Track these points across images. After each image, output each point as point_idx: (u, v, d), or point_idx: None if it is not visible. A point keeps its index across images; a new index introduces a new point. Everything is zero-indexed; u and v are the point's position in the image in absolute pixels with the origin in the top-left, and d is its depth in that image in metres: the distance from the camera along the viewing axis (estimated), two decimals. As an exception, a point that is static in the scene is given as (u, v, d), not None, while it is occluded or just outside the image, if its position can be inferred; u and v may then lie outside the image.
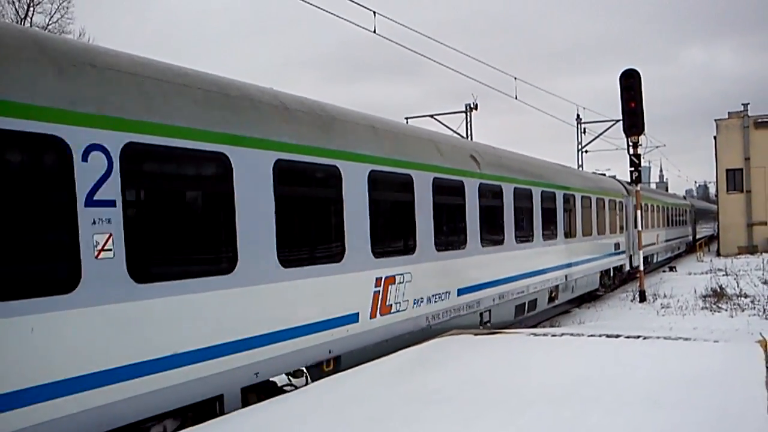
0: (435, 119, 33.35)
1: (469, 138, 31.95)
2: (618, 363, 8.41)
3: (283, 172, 7.75)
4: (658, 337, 10.30)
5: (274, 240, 7.60)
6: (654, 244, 31.31)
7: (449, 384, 7.53)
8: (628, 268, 24.38)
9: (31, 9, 33.94)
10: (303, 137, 8.20)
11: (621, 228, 23.46)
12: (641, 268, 21.63)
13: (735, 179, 44.47)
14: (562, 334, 10.88)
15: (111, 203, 5.82)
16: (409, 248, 10.49)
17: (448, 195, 11.71)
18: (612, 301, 21.85)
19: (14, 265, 5.23)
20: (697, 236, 53.52)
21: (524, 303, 14.99)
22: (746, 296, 19.07)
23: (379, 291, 9.57)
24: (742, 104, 44.57)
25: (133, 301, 6.00)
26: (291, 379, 8.15)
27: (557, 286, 16.99)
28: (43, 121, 5.36)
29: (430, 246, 11.00)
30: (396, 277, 10.01)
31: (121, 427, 5.83)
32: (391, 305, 9.87)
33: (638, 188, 21.82)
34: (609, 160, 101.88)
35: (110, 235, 5.80)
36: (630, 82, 19.94)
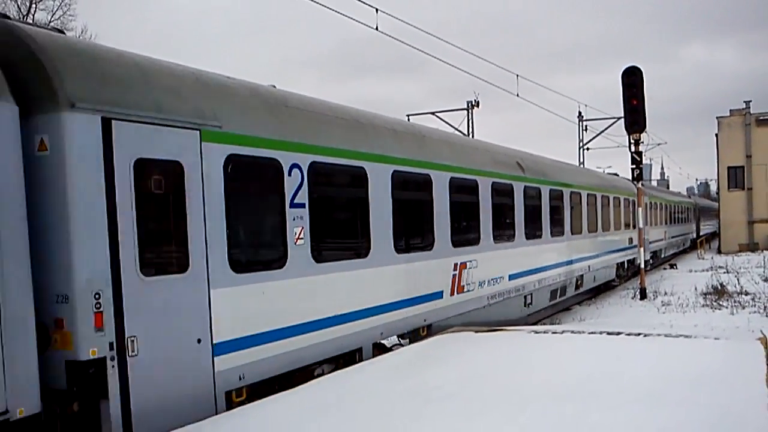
0: (437, 116, 33.31)
1: (470, 135, 31.96)
2: (619, 360, 8.43)
3: (396, 180, 10.13)
4: (658, 335, 10.32)
5: (391, 233, 9.99)
6: (662, 240, 33.53)
7: (451, 381, 7.57)
8: (637, 262, 25.31)
9: (34, 6, 33.94)
10: (407, 152, 10.66)
11: (634, 224, 25.27)
12: (642, 265, 21.65)
13: (736, 177, 44.46)
14: (563, 332, 10.90)
15: (302, 205, 8.17)
16: (475, 240, 12.65)
17: (502, 196, 13.77)
18: (612, 298, 21.88)
19: (254, 248, 7.92)
20: (700, 233, 54.31)
21: (557, 289, 17.24)
22: (747, 294, 19.09)
23: (456, 274, 11.92)
24: (744, 102, 44.59)
25: (314, 276, 8.38)
26: (400, 340, 10.82)
27: (582, 276, 19.22)
28: (269, 149, 7.72)
29: (490, 238, 13.17)
30: (467, 263, 12.29)
31: (296, 368, 8.03)
32: (464, 286, 12.20)
33: (640, 185, 21.83)
34: (610, 157, 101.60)
35: (302, 228, 8.17)
36: (632, 80, 19.91)
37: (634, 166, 21.30)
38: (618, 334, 10.34)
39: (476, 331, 11.19)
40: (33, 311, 5.45)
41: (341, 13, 14.16)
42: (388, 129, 10.68)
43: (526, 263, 14.96)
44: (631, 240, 25.24)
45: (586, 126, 39.52)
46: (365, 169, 9.44)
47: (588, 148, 39.82)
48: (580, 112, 39.66)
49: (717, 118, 45.26)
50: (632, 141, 20.99)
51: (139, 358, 6.08)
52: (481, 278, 12.74)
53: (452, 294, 11.73)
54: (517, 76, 25.27)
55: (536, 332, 11.07)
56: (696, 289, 20.61)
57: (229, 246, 7.09)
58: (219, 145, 7.04)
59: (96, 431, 5.83)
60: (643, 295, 20.39)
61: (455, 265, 11.84)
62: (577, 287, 19.01)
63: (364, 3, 13.98)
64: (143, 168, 6.25)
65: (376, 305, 9.59)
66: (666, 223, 35.57)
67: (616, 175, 29.79)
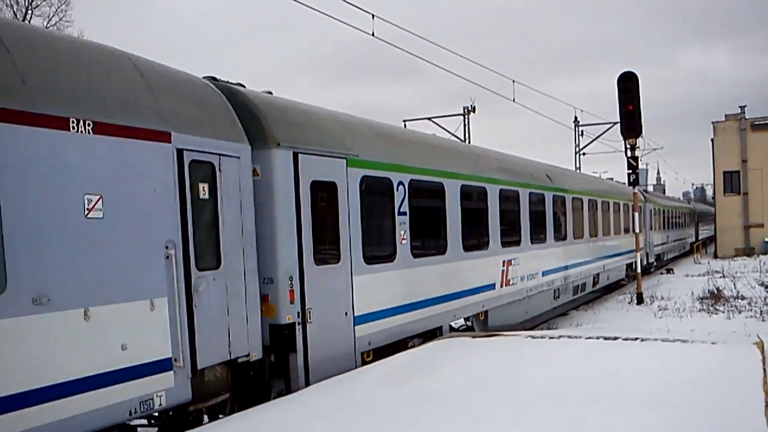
0: (433, 122, 33.38)
1: (467, 141, 32.01)
2: (616, 365, 8.44)
3: (463, 192, 12.33)
4: (655, 339, 10.34)
5: (461, 234, 12.18)
6: (665, 243, 36.38)
7: (449, 386, 7.56)
8: (645, 262, 29.10)
9: (30, 12, 33.94)
10: (469, 170, 12.93)
11: (641, 228, 27.32)
12: (639, 270, 21.69)
13: (732, 181, 44.55)
14: (560, 337, 10.92)
15: (405, 213, 10.52)
16: (517, 241, 14.80)
17: (536, 204, 15.89)
18: (609, 303, 21.89)
19: (378, 246, 10.05)
20: (699, 236, 55.95)
21: (578, 285, 19.49)
22: (743, 298, 19.11)
23: (504, 270, 14.15)
24: (740, 107, 44.69)
25: (412, 268, 10.69)
26: (465, 322, 13.21)
27: (598, 274, 21.39)
28: (385, 171, 10.09)
29: (528, 240, 15.31)
30: (512, 260, 14.51)
31: (399, 339, 10.32)
32: (509, 279, 14.41)
33: (636, 191, 21.88)
34: (606, 162, 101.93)
35: (405, 231, 10.48)
36: (628, 85, 19.99)
37: (630, 171, 21.35)
38: (615, 338, 10.36)
39: (473, 337, 11.20)
40: (259, 290, 7.80)
41: (337, 19, 14.18)
42: (455, 151, 13.61)
43: (555, 262, 17.27)
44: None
45: (582, 131, 39.65)
46: (443, 184, 11.76)
47: (584, 153, 39.94)
48: (576, 117, 39.81)
49: (713, 122, 45.42)
50: (628, 146, 21.04)
51: (313, 325, 8.32)
52: (522, 274, 15.05)
53: (502, 286, 14.05)
54: (513, 81, 25.31)
55: (533, 337, 11.08)
56: (692, 293, 20.63)
57: (363, 244, 9.45)
58: (356, 169, 9.38)
59: (286, 376, 8.08)
60: (640, 300, 20.40)
61: (503, 262, 14.15)
62: (593, 284, 21.19)
63: (360, 9, 14.01)
64: (315, 187, 8.55)
65: (451, 293, 11.88)
66: (669, 228, 38.25)
67: (611, 179, 30.61)
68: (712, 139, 45.79)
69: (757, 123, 43.55)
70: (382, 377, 8.09)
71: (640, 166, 22.26)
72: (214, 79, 8.22)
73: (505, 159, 15.68)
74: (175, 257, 6.58)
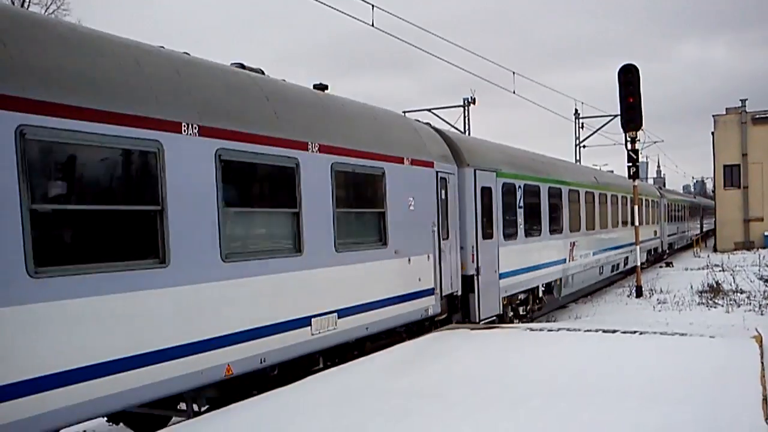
0: (433, 113, 33.27)
1: (467, 133, 31.92)
2: (614, 358, 8.43)
3: (550, 192, 16.86)
4: (654, 333, 10.32)
5: (548, 221, 16.69)
6: (675, 234, 41.72)
7: (446, 378, 7.55)
8: (660, 249, 35.14)
9: (27, 1, 33.76)
10: (551, 175, 17.50)
11: (657, 220, 34.02)
12: (638, 264, 21.68)
13: (732, 175, 44.49)
14: (559, 329, 10.91)
15: (521, 206, 14.99)
16: (577, 228, 19.31)
17: (589, 200, 20.58)
18: (609, 296, 21.90)
19: (509, 227, 14.41)
20: (704, 228, 59.22)
21: (614, 264, 24.21)
22: (742, 292, 19.11)
23: (570, 249, 18.65)
24: (740, 100, 44.57)
25: (525, 244, 15.27)
26: (545, 286, 16.79)
27: (627, 257, 25.47)
28: (512, 179, 14.58)
29: (584, 227, 19.92)
30: (575, 242, 18.98)
31: (514, 293, 14.81)
32: (574, 257, 18.89)
33: (636, 183, 21.83)
34: (606, 155, 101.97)
35: (521, 218, 15.01)
36: (628, 78, 19.91)
37: (630, 164, 21.30)
38: (614, 332, 10.34)
39: (472, 329, 11.18)
40: (459, 254, 12.42)
41: (337, 9, 14.09)
42: (544, 162, 17.98)
43: (601, 245, 21.94)
44: (656, 233, 33.37)
45: (582, 124, 39.54)
46: (539, 186, 16.25)
47: (584, 146, 39.86)
48: (576, 110, 39.69)
49: (713, 116, 45.32)
50: (629, 139, 20.98)
51: (482, 276, 12.86)
52: (581, 253, 19.54)
53: (569, 261, 18.50)
54: (514, 73, 25.23)
55: (532, 330, 11.07)
56: (692, 287, 20.63)
57: (504, 226, 14.06)
58: (500, 178, 13.95)
59: (467, 308, 12.69)
60: (639, 293, 20.41)
61: (570, 243, 18.57)
62: (624, 265, 25.55)
63: (360, -1, 13.92)
64: (482, 190, 13.08)
65: (542, 263, 16.39)
66: (680, 221, 43.75)
67: (612, 172, 31.40)
68: (712, 133, 45.70)
69: (757, 117, 43.44)
70: (381, 368, 8.08)
71: (640, 159, 22.21)
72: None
73: (569, 166, 21.46)
74: (435, 231, 11.46)
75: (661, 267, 31.63)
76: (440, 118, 33.09)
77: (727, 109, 45.26)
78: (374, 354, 9.03)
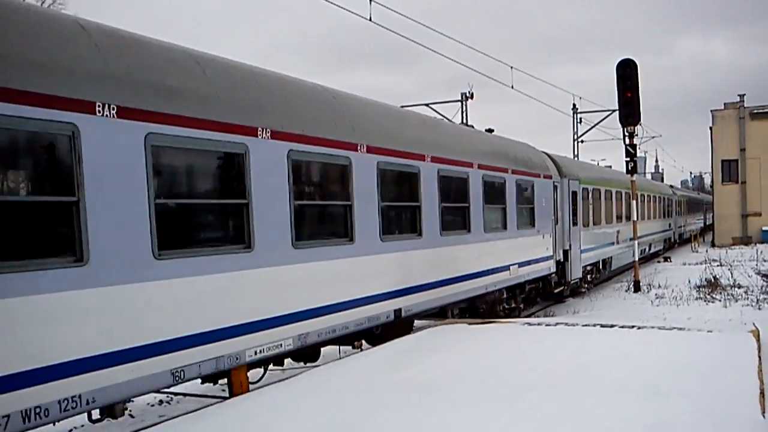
0: (431, 108, 33.18)
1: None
2: (612, 352, 8.44)
3: (593, 193, 21.47)
4: (652, 327, 10.34)
5: (603, 213, 22.79)
6: (685, 225, 49.37)
7: (444, 372, 7.55)
8: (673, 239, 41.53)
9: (25, -5, 33.60)
10: (611, 179, 24.69)
11: (670, 214, 40.42)
12: (636, 258, 21.72)
13: (730, 170, 44.47)
14: (557, 324, 10.91)
15: (590, 203, 21.10)
16: (621, 219, 25.22)
17: (627, 198, 25.74)
18: (606, 291, 21.92)
19: (574, 216, 19.42)
20: (707, 221, 63.67)
21: (644, 249, 30.32)
22: (740, 287, 19.15)
23: (617, 234, 24.44)
24: (738, 95, 44.49)
25: (589, 230, 21.04)
26: (601, 263, 22.69)
27: (651, 244, 32.86)
28: (586, 184, 20.73)
29: (623, 218, 25.56)
30: (619, 230, 24.80)
31: (589, 263, 21.49)
32: (619, 240, 24.69)
33: (634, 178, 21.82)
34: (604, 149, 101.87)
35: (589, 211, 21.15)
36: (627, 72, 19.87)
37: (628, 159, 21.27)
38: (612, 326, 10.35)
39: (469, 323, 11.18)
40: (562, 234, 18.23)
41: (335, 4, 14.04)
42: (602, 172, 24.33)
43: (642, 231, 27.70)
44: (670, 225, 39.80)
45: (580, 118, 39.50)
46: (601, 189, 22.27)
47: (582, 141, 39.82)
48: (574, 105, 39.63)
49: (711, 111, 45.26)
50: (627, 134, 20.95)
51: (571, 251, 18.58)
52: (623, 238, 25.15)
53: (615, 244, 24.32)
54: (512, 68, 25.18)
55: (530, 324, 11.07)
56: (690, 282, 20.66)
57: (572, 216, 18.74)
58: (582, 185, 19.71)
59: (563, 272, 18.38)
60: (637, 288, 20.42)
61: (617, 231, 24.47)
62: (649, 250, 32.56)
63: (358, -7, 13.88)
64: (572, 194, 18.86)
65: (601, 244, 22.33)
66: (688, 213, 51.80)
67: (610, 167, 32.78)
68: (710, 128, 45.65)
69: (756, 112, 43.41)
70: (378, 362, 8.08)
71: (638, 154, 22.26)
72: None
73: (616, 175, 26.99)
74: (552, 219, 17.11)
75: (659, 262, 31.68)
76: (438, 112, 33.00)
77: (725, 104, 45.20)
78: (372, 348, 9.04)
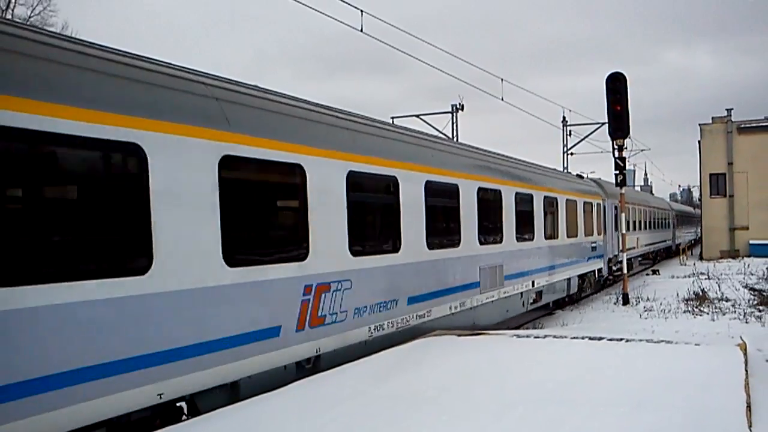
0: (421, 119, 33.33)
1: (455, 139, 31.99)
2: (601, 365, 8.42)
3: (633, 209, 32.14)
4: (640, 340, 10.34)
5: (631, 224, 31.63)
6: (682, 236, 57.04)
7: (432, 385, 7.50)
8: (672, 248, 49.06)
9: (13, 1, 33.51)
10: (641, 200, 37.95)
11: (670, 226, 48.32)
12: (624, 270, 21.78)
13: (718, 184, 44.86)
14: (545, 336, 10.90)
15: (616, 217, 26.64)
16: (641, 227, 34.78)
17: (641, 213, 34.86)
18: (595, 303, 21.96)
19: (616, 224, 26.27)
20: (699, 234, 66.40)
21: (651, 253, 38.82)
22: (727, 300, 19.23)
23: (637, 240, 32.87)
24: (726, 109, 44.96)
25: (630, 234, 29.81)
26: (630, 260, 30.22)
27: (657, 251, 40.76)
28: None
29: (641, 228, 34.67)
30: (638, 237, 33.46)
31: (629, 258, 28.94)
32: (639, 245, 33.79)
33: (623, 191, 21.91)
34: (593, 162, 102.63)
35: (628, 219, 28.01)
36: (616, 85, 20.00)
37: (617, 172, 21.37)
38: (600, 339, 10.35)
39: (459, 335, 11.14)
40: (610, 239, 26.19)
41: (326, 15, 14.09)
42: (631, 192, 30.81)
43: (647, 240, 36.21)
44: (671, 235, 47.97)
45: (570, 131, 39.74)
46: (631, 205, 30.39)
47: (572, 153, 40.04)
48: (564, 117, 39.89)
49: (699, 125, 45.68)
50: (616, 147, 21.07)
51: (606, 248, 25.34)
52: (641, 243, 33.35)
53: (635, 248, 31.31)
54: (502, 80, 25.35)
55: (519, 336, 11.05)
56: (678, 295, 20.72)
57: (615, 224, 25.86)
58: (612, 202, 25.68)
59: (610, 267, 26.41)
60: (626, 301, 20.47)
61: (636, 238, 31.82)
62: (656, 255, 40.72)
63: (348, 4, 13.92)
64: (615, 210, 25.59)
65: (630, 246, 27.71)
66: (683, 226, 59.55)
67: (600, 179, 33.41)
68: (698, 141, 46.06)
69: (743, 126, 43.85)
70: (367, 373, 8.02)
71: (627, 167, 22.41)
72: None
73: (641, 195, 35.12)
74: (603, 228, 24.66)
75: (647, 275, 31.84)
76: (428, 124, 33.16)
77: (713, 118, 45.63)
78: (360, 360, 8.98)
